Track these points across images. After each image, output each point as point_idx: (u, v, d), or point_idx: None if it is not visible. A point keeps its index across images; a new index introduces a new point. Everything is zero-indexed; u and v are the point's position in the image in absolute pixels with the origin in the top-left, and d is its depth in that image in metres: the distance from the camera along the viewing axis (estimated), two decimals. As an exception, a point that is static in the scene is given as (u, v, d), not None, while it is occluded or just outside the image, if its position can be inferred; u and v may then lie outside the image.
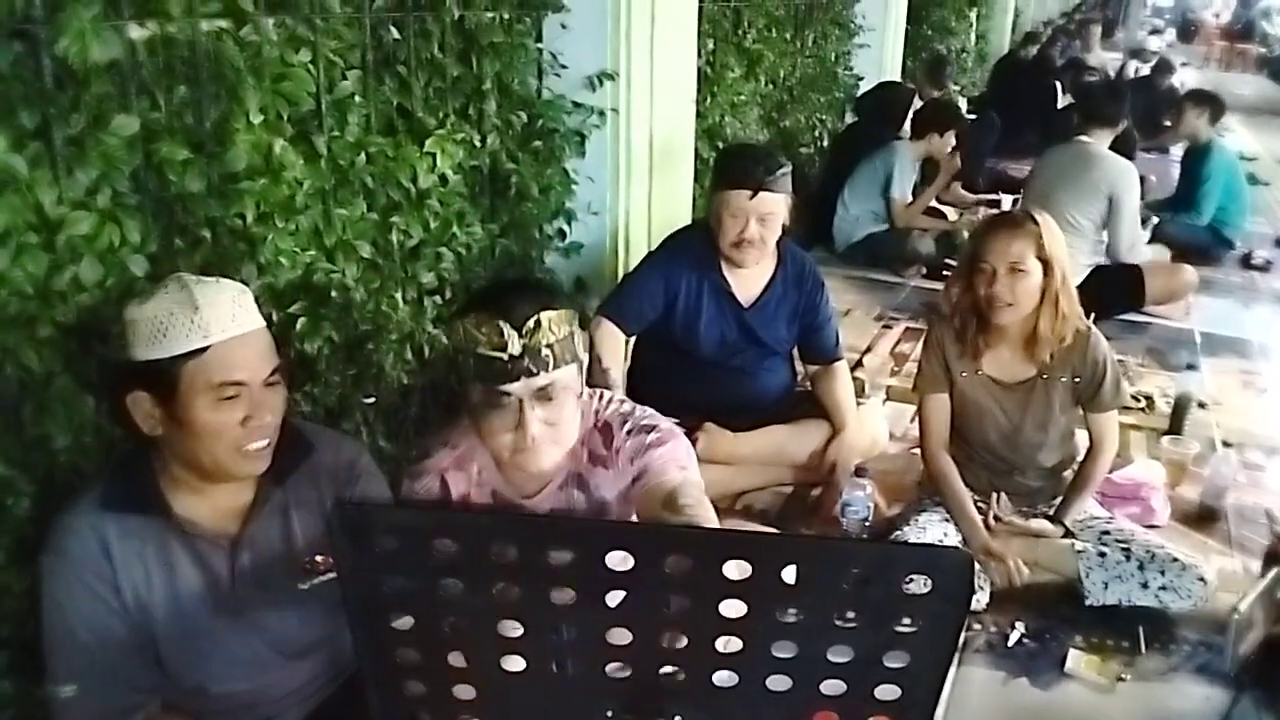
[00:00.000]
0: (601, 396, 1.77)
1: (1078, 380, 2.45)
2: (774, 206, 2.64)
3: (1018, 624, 2.33)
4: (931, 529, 2.45)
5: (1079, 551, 2.42)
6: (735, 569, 0.82)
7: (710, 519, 1.55)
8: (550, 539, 0.82)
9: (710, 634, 0.87)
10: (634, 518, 1.69)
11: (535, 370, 1.52)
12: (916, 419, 2.66)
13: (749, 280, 2.80)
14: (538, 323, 1.52)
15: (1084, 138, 4.41)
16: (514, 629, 0.91)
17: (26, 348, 1.61)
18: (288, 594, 1.55)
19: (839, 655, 0.88)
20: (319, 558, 1.58)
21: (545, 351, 1.52)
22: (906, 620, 0.83)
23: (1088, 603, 2.37)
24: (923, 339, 2.62)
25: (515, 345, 1.51)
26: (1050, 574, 2.47)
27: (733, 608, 0.85)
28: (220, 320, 1.41)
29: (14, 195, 1.56)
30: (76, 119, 1.67)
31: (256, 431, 1.45)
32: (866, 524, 2.52)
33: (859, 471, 2.53)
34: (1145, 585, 2.34)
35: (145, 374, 1.41)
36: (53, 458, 1.69)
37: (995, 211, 2.50)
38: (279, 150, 2.03)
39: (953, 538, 2.45)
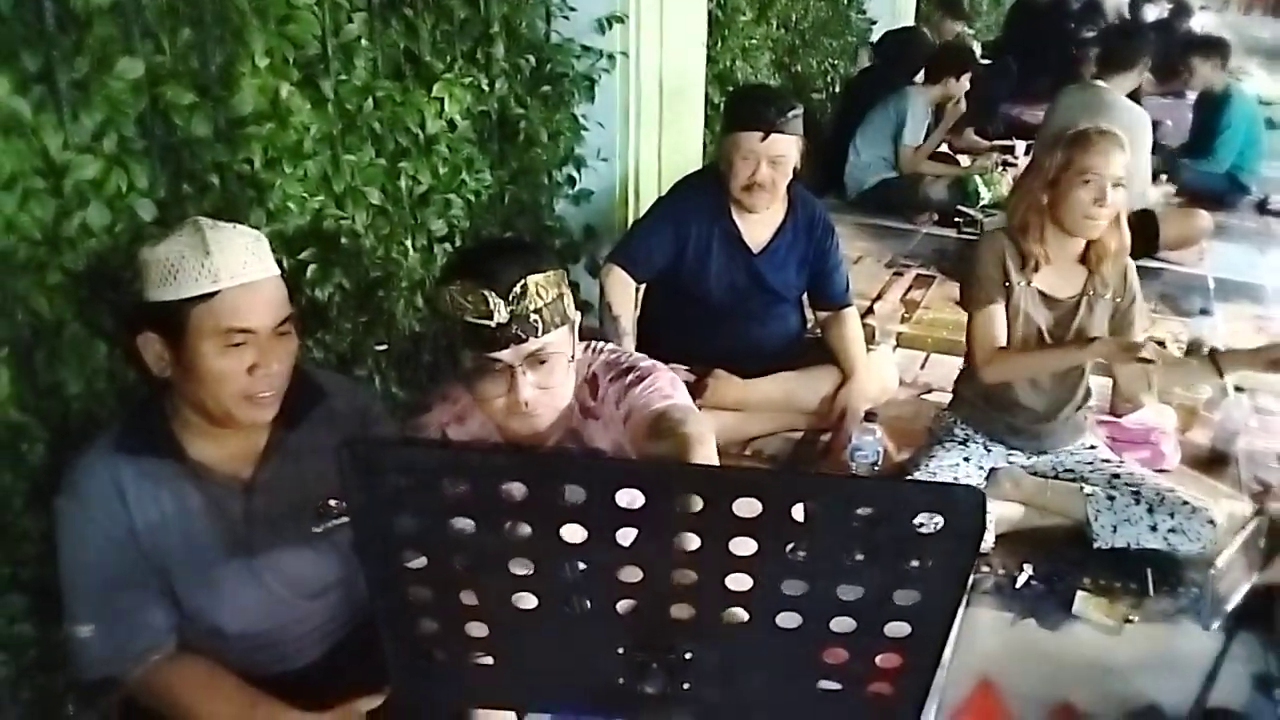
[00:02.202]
0: (590, 348, 1.76)
1: (1118, 300, 2.44)
2: (785, 149, 2.61)
3: (1025, 566, 2.34)
4: (942, 474, 2.46)
5: (1088, 495, 2.43)
6: (746, 507, 0.82)
7: (701, 435, 1.52)
8: (561, 477, 0.82)
9: (721, 571, 0.88)
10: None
11: (524, 336, 1.49)
12: (974, 359, 2.50)
13: (759, 226, 2.78)
14: (524, 288, 1.48)
15: (1100, 82, 4.35)
16: (525, 567, 0.91)
17: (37, 294, 1.60)
18: (302, 537, 1.56)
19: (849, 593, 0.88)
20: (332, 502, 1.58)
21: (534, 317, 1.49)
22: (917, 558, 0.84)
23: (1096, 545, 2.38)
24: (977, 250, 2.52)
25: (502, 313, 1.47)
26: (1058, 517, 2.47)
27: (743, 545, 0.85)
28: (231, 266, 1.41)
29: (19, 140, 1.54)
30: (80, 62, 1.65)
31: (263, 380, 1.45)
32: (876, 468, 2.52)
33: (869, 417, 2.53)
34: (1154, 528, 2.35)
35: (156, 315, 1.41)
36: (66, 404, 1.69)
37: (1085, 128, 2.41)
38: (285, 94, 2.00)
39: (965, 479, 2.45)
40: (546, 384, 1.55)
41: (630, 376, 1.68)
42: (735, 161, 2.62)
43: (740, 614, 0.91)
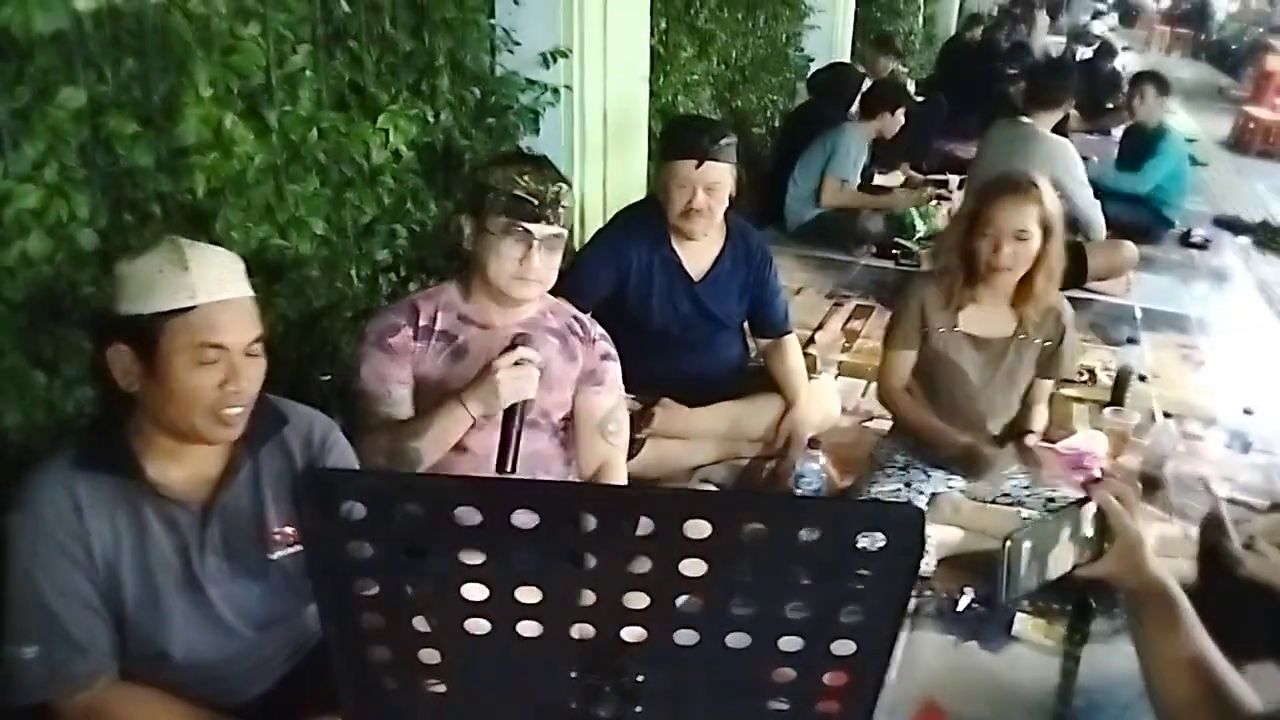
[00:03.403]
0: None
1: (1048, 343, 2.52)
2: (720, 175, 2.65)
3: (966, 589, 2.39)
4: (883, 499, 2.50)
5: (1025, 519, 2.48)
6: (696, 528, 0.84)
7: (622, 448, 2.22)
8: (515, 503, 0.83)
9: (672, 593, 0.89)
10: (567, 403, 2.12)
11: (553, 220, 1.96)
12: (877, 388, 2.71)
13: (699, 254, 2.82)
14: (561, 189, 1.97)
15: (1025, 119, 4.49)
16: (479, 593, 0.92)
17: (-27, 324, 1.58)
18: (255, 564, 1.55)
19: (796, 612, 0.90)
20: (288, 529, 1.58)
21: (561, 210, 1.97)
22: (860, 576, 0.86)
23: (1033, 569, 2.43)
24: (900, 293, 2.65)
25: (549, 195, 1.94)
26: (997, 542, 2.52)
27: (694, 567, 0.87)
28: (208, 282, 1.43)
29: (-42, 169, 1.53)
30: (21, 91, 1.64)
31: (232, 397, 1.46)
32: (820, 494, 2.56)
33: (813, 444, 2.57)
34: (1089, 551, 2.41)
35: (129, 327, 1.42)
36: (2, 436, 1.66)
37: (997, 176, 2.49)
38: (229, 125, 2.01)
39: (904, 507, 2.50)
40: (548, 265, 2.00)
41: (609, 349, 2.21)
42: (672, 189, 2.66)
43: (691, 636, 0.93)
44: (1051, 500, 2.53)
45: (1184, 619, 1.32)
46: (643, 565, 0.88)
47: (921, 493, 2.57)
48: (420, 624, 0.96)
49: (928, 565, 2.42)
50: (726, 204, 2.72)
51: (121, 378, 1.44)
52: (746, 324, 2.99)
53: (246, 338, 1.47)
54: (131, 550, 1.47)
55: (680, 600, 0.90)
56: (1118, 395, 3.42)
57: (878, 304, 4.31)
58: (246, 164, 2.08)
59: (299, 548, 1.55)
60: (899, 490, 2.54)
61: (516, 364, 1.86)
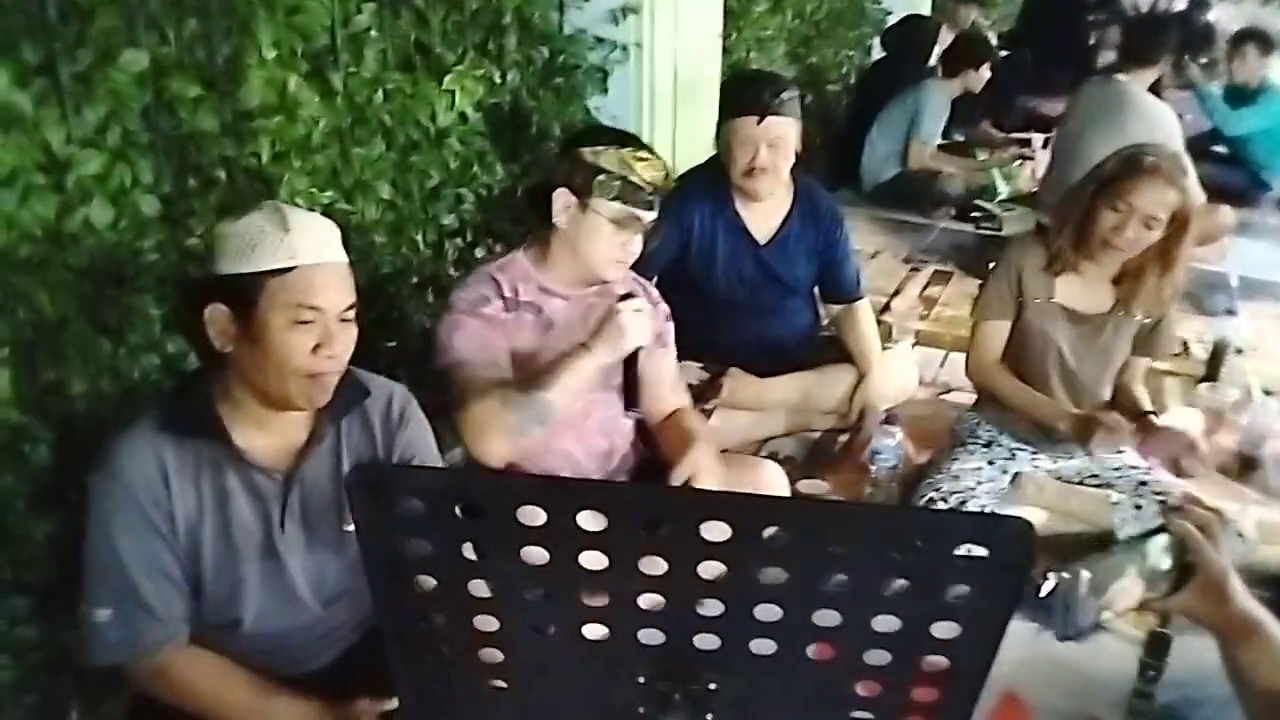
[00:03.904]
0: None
1: (1147, 320, 2.37)
2: (783, 131, 2.54)
3: (1049, 575, 2.27)
4: (964, 478, 2.40)
5: (1114, 503, 2.37)
6: (776, 536, 0.77)
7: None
8: (582, 503, 0.77)
9: (749, 602, 0.82)
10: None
11: (653, 206, 1.94)
12: (968, 361, 2.54)
13: (764, 215, 2.72)
14: (669, 172, 1.96)
15: (1121, 76, 4.24)
16: (543, 593, 0.86)
17: (39, 292, 1.57)
18: (332, 535, 1.55)
19: (885, 624, 0.83)
20: None
21: (660, 198, 1.95)
22: (959, 590, 0.78)
23: (1121, 554, 2.32)
24: (1000, 258, 2.50)
25: (664, 183, 1.93)
26: (1083, 524, 2.42)
27: (773, 575, 0.80)
28: (308, 245, 1.43)
29: (20, 134, 1.51)
30: (83, 54, 1.61)
31: (325, 362, 1.46)
32: (895, 471, 2.47)
33: (889, 419, 2.47)
34: (1182, 538, 2.29)
35: (228, 287, 1.42)
36: (69, 404, 1.66)
37: (1138, 149, 2.31)
38: (293, 87, 1.96)
39: (988, 482, 2.39)
40: (639, 245, 1.99)
41: (667, 311, 2.20)
42: (734, 148, 2.57)
43: (768, 645, 0.86)
44: (1144, 484, 2.40)
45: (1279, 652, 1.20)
46: (717, 571, 0.81)
47: (1005, 471, 2.46)
48: (481, 623, 0.91)
49: (1008, 547, 2.32)
50: (792, 161, 2.61)
51: (217, 338, 1.44)
52: (816, 289, 2.90)
53: (342, 303, 1.47)
54: (214, 516, 1.48)
55: (758, 609, 0.84)
56: (1213, 370, 3.24)
57: (956, 269, 4.16)
58: (311, 127, 2.04)
59: None
60: (980, 468, 2.43)
61: (635, 310, 1.89)
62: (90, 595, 1.43)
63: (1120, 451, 2.52)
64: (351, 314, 1.49)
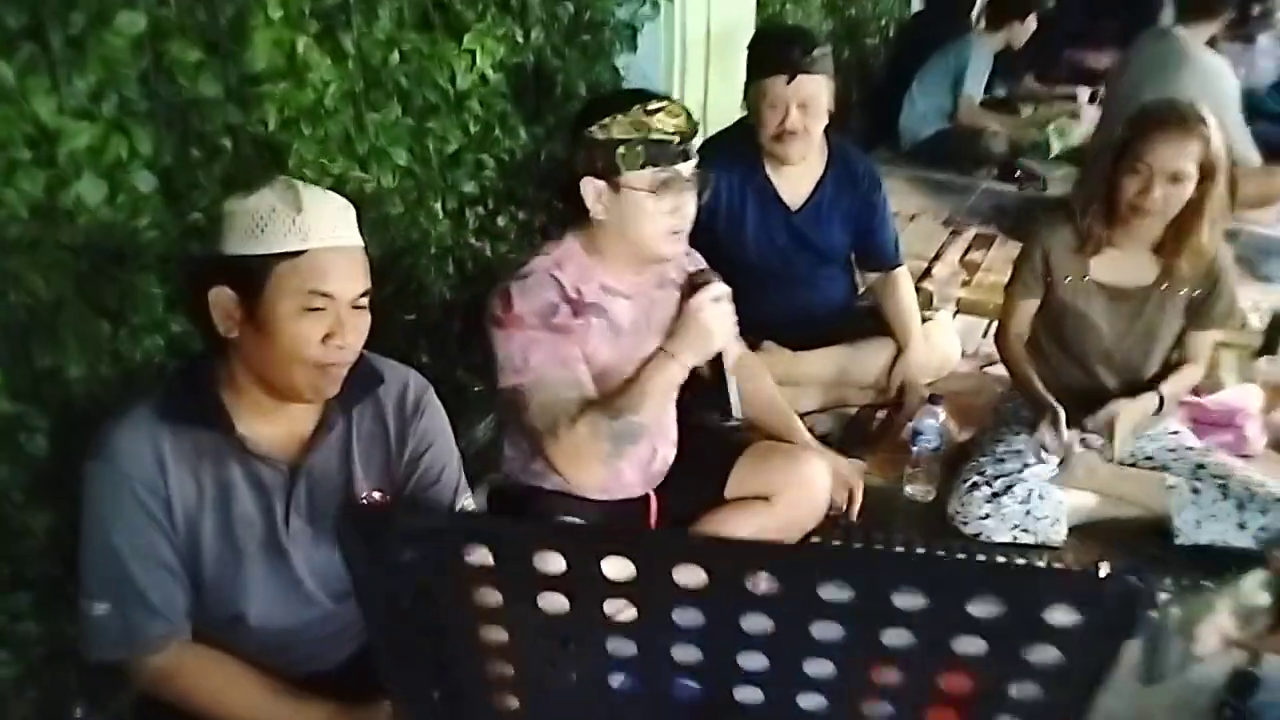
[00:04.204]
0: None
1: (1197, 293, 2.22)
2: (815, 90, 2.40)
3: (1102, 564, 2.16)
4: (1010, 461, 2.28)
5: (1170, 487, 2.24)
6: (834, 589, 0.66)
7: None
8: (607, 550, 0.67)
9: (797, 657, 0.72)
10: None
11: (691, 155, 1.74)
12: (995, 328, 2.49)
13: (796, 180, 2.58)
14: (689, 110, 1.75)
15: (1179, 29, 4.01)
16: (563, 638, 0.76)
17: (30, 272, 1.47)
18: None
19: (955, 683, 0.72)
20: (377, 494, 1.51)
21: (696, 139, 1.76)
22: (1046, 654, 0.67)
23: (1177, 541, 2.21)
24: (1030, 234, 2.40)
25: (689, 125, 1.73)
26: (1136, 508, 2.30)
27: (827, 629, 0.70)
28: (321, 227, 1.33)
29: (6, 105, 1.40)
30: (75, 17, 1.49)
31: (336, 352, 1.37)
32: (939, 453, 2.35)
33: (933, 398, 2.35)
34: (1243, 526, 2.17)
35: (235, 269, 1.33)
36: (67, 390, 1.57)
37: (1156, 102, 2.17)
38: (302, 49, 1.84)
39: (1035, 466, 2.27)
40: (694, 205, 1.79)
41: None
42: (762, 110, 2.43)
43: (818, 701, 0.76)
44: (1201, 466, 2.26)
45: None
46: (761, 624, 0.71)
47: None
48: (495, 668, 0.81)
49: (1059, 534, 2.20)
50: (825, 122, 2.47)
51: (222, 322, 1.35)
52: (853, 257, 2.76)
53: (356, 289, 1.38)
54: (214, 508, 1.40)
55: (808, 663, 0.73)
56: (1271, 341, 3.07)
57: (999, 232, 3.99)
58: (322, 91, 1.92)
59: None
60: (1024, 450, 2.31)
61: (714, 300, 1.74)
62: (87, 588, 1.37)
63: (1175, 432, 2.39)
64: (365, 301, 1.40)
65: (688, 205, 1.76)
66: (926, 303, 3.26)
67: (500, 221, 2.53)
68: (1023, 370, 2.34)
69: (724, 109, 3.17)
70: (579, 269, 1.81)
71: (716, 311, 1.74)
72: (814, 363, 2.63)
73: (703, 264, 1.98)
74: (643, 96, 1.76)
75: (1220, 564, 2.14)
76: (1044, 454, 2.24)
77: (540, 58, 2.58)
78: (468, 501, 1.57)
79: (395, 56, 2.10)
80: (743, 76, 3.32)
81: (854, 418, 2.70)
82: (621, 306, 1.84)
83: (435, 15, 2.23)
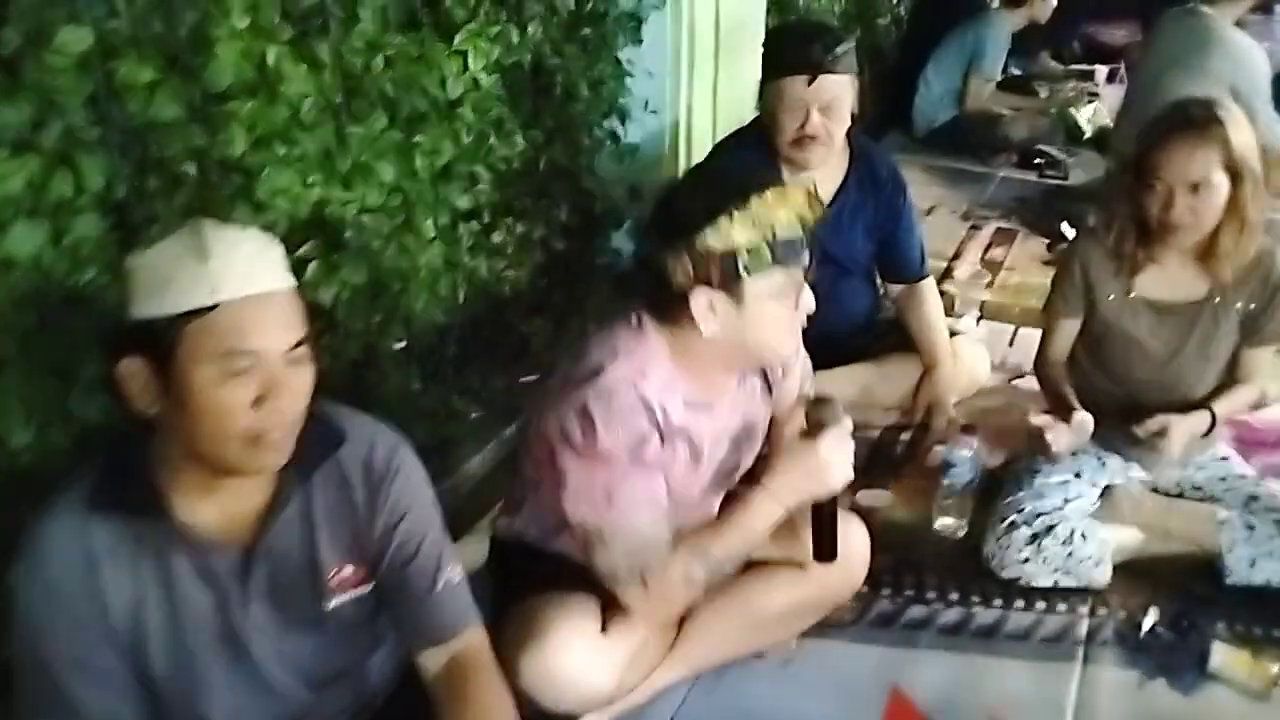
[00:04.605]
0: None
1: (1252, 306, 2.05)
2: (839, 91, 2.20)
3: (1150, 609, 2.01)
4: (1049, 494, 2.10)
5: (1222, 521, 2.08)
6: None
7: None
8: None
9: None
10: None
11: (815, 236, 1.50)
12: (1035, 353, 2.29)
13: (816, 186, 2.39)
14: (811, 185, 1.50)
15: (1206, 8, 3.80)
16: None
17: (-37, 330, 1.30)
18: (308, 614, 1.30)
19: None
20: (347, 570, 1.32)
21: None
22: None
23: (1229, 581, 2.05)
24: (1067, 252, 2.26)
25: (815, 210, 1.47)
26: (1184, 543, 2.14)
27: None
28: (233, 275, 1.13)
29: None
30: (7, 35, 1.32)
31: (272, 417, 1.17)
32: (972, 487, 2.18)
33: (966, 429, 2.18)
34: (1302, 566, 2.01)
35: (142, 334, 1.13)
36: (12, 459, 1.40)
37: (1166, 110, 2.00)
38: (273, 60, 1.66)
39: (1076, 499, 2.10)
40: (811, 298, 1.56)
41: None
42: (780, 113, 2.23)
43: None
44: (1255, 498, 2.10)
45: None
46: None
47: (1095, 484, 2.17)
48: None
49: (1103, 576, 2.04)
50: (848, 124, 2.28)
51: (138, 398, 1.16)
52: (876, 268, 2.58)
53: (286, 341, 1.17)
54: (158, 606, 1.23)
55: None
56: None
57: (1021, 226, 3.81)
58: (297, 105, 1.74)
59: (359, 591, 1.33)
60: (1067, 482, 2.14)
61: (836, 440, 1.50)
62: (23, 706, 1.20)
63: (1224, 458, 2.23)
64: (303, 352, 1.19)
65: (808, 294, 1.55)
66: (949, 307, 3.08)
67: (496, 237, 2.36)
68: (1061, 392, 2.16)
69: (734, 105, 2.99)
70: (665, 380, 1.54)
71: (840, 454, 1.50)
72: (834, 382, 2.43)
73: (807, 363, 1.82)
74: (758, 183, 1.47)
75: (1277, 604, 2.01)
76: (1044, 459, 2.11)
77: (538, 55, 2.40)
78: (454, 574, 1.37)
79: (379, 62, 1.92)
80: (755, 71, 3.12)
81: (878, 441, 2.53)
82: (704, 423, 1.61)
83: (424, 14, 2.05)
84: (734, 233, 1.41)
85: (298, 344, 1.18)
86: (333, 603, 1.31)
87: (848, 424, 1.53)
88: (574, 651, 1.55)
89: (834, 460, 1.50)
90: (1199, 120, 1.91)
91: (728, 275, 1.43)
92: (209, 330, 1.11)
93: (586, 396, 1.48)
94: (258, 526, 1.26)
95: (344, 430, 1.31)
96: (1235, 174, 1.90)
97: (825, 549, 1.55)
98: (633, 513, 1.50)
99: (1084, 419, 2.02)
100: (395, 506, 1.33)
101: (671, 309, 1.50)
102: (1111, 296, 2.08)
